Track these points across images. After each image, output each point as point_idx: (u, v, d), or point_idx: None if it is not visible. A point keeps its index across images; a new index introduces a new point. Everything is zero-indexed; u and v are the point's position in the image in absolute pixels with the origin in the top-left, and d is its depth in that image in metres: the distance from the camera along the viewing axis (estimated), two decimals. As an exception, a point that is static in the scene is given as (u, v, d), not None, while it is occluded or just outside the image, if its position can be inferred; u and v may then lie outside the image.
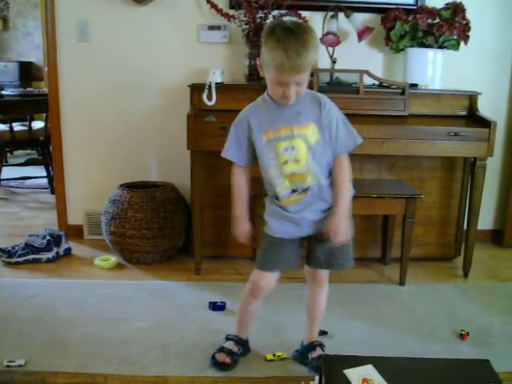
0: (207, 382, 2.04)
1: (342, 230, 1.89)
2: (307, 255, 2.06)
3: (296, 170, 1.87)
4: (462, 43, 3.19)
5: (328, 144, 1.88)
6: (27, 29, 8.10)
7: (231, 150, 1.96)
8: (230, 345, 2.16)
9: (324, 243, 1.95)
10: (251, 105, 1.96)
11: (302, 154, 1.85)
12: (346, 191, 1.92)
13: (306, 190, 1.89)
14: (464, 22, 3.15)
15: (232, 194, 2.01)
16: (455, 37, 3.16)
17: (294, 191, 1.90)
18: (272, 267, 2.02)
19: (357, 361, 1.40)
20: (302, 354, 2.17)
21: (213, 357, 2.12)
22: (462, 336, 2.38)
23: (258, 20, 3.15)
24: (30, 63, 8.08)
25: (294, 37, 1.70)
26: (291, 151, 1.85)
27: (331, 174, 1.93)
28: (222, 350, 2.14)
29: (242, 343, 2.19)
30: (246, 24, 3.18)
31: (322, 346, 2.18)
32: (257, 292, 2.06)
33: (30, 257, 3.20)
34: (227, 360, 2.10)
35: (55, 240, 3.28)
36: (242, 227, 2.00)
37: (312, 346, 2.16)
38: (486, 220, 3.65)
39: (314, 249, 2.01)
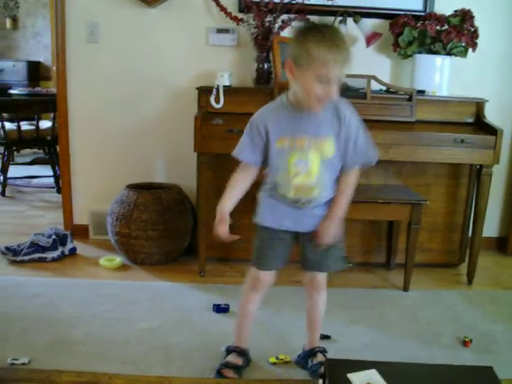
0: (211, 383, 2.05)
1: (330, 234, 1.89)
2: (300, 258, 2.04)
3: (305, 182, 1.84)
4: (470, 50, 3.19)
5: (342, 156, 1.86)
6: (36, 29, 8.14)
7: (246, 152, 1.89)
8: (233, 359, 2.12)
9: (311, 242, 1.94)
10: (270, 106, 1.90)
11: (314, 168, 1.82)
12: (344, 203, 1.91)
13: (311, 201, 1.88)
14: (472, 30, 3.15)
15: (227, 186, 1.93)
16: (463, 44, 3.16)
17: (297, 201, 1.88)
18: (267, 265, 2.01)
19: (360, 365, 1.40)
20: (304, 360, 2.17)
21: (219, 372, 2.07)
22: (466, 343, 2.38)
23: (267, 24, 3.16)
24: (38, 63, 8.12)
25: (334, 31, 1.71)
26: (304, 164, 1.82)
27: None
28: (227, 365, 2.09)
29: (245, 354, 2.14)
30: (255, 28, 3.19)
31: (323, 351, 2.17)
32: (258, 285, 2.05)
33: (36, 256, 3.21)
34: (235, 376, 2.07)
35: (61, 239, 3.30)
36: (223, 227, 1.89)
37: (313, 352, 2.15)
38: (490, 227, 3.65)
39: (305, 250, 2.00)
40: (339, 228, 1.92)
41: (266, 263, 2.01)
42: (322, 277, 2.06)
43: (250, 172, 1.92)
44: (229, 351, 2.15)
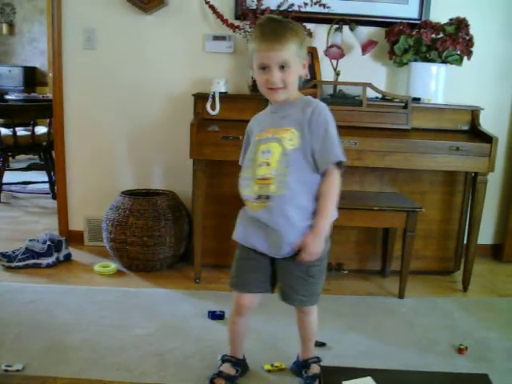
0: (205, 391, 2.04)
1: (312, 250, 1.78)
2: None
3: (266, 174, 1.79)
4: (466, 58, 3.21)
5: (309, 156, 1.78)
6: (33, 34, 8.15)
7: (241, 158, 1.99)
8: (227, 368, 2.09)
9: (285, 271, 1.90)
10: (261, 112, 1.98)
11: (274, 158, 1.78)
12: (327, 209, 1.78)
13: (268, 199, 1.79)
14: (467, 38, 3.17)
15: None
16: (458, 52, 3.18)
17: (258, 197, 1.81)
18: (242, 287, 1.97)
19: (356, 373, 1.40)
20: (298, 369, 2.15)
21: (211, 382, 2.04)
22: (461, 350, 2.38)
23: (263, 31, 3.17)
24: (34, 68, 8.12)
25: (273, 19, 1.78)
26: (267, 154, 1.80)
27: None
28: (219, 374, 2.07)
29: (240, 364, 2.12)
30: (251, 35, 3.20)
31: (317, 361, 2.12)
32: (240, 310, 2.01)
33: (30, 261, 3.20)
34: None
35: (55, 245, 3.29)
36: None
37: (306, 364, 2.11)
38: (486, 235, 3.66)
39: (280, 279, 1.94)
40: (322, 244, 1.80)
41: (239, 283, 1.97)
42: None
43: None
44: (224, 360, 2.13)
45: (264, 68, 1.75)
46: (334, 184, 1.79)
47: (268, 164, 1.79)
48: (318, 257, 1.82)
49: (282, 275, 1.93)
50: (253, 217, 1.87)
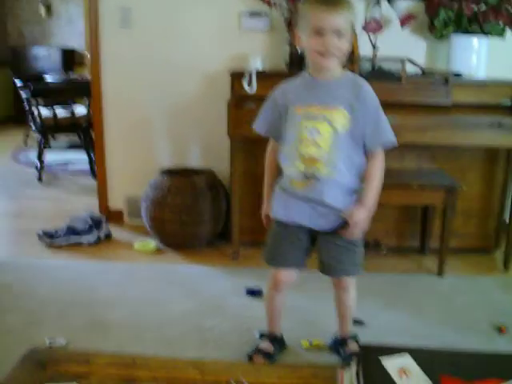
0: (244, 367, 2.06)
1: (358, 223, 1.81)
2: (317, 260, 1.99)
3: (313, 154, 1.78)
4: (509, 31, 3.11)
5: (360, 138, 1.80)
6: (70, 15, 8.21)
7: (261, 124, 1.97)
8: (265, 345, 2.11)
9: (332, 237, 1.90)
10: (291, 79, 1.93)
11: (325, 140, 1.77)
12: (376, 188, 1.84)
13: (318, 179, 1.80)
14: (511, 9, 3.07)
15: (265, 177, 2.03)
16: (501, 24, 3.08)
17: (305, 176, 1.82)
18: (277, 263, 1.99)
19: (394, 351, 1.39)
20: (336, 347, 2.16)
21: (250, 358, 2.08)
22: (501, 329, 2.35)
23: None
24: (72, 50, 8.20)
25: None
26: (316, 134, 1.77)
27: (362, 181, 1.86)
28: (258, 351, 2.09)
29: (277, 340, 2.14)
30: (288, 11, 3.16)
31: (355, 339, 2.14)
32: (278, 286, 2.03)
33: (72, 240, 3.27)
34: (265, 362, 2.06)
35: (96, 224, 3.35)
36: (264, 209, 2.03)
37: (344, 342, 2.12)
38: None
39: (319, 252, 1.96)
40: (367, 220, 1.84)
41: (278, 259, 1.98)
42: (346, 278, 2.01)
43: (273, 148, 1.98)
44: (262, 337, 2.16)
45: (319, 32, 1.70)
46: (382, 166, 1.85)
47: (318, 145, 1.77)
48: (363, 230, 1.86)
49: (324, 248, 1.94)
50: (295, 194, 1.87)
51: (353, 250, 1.93)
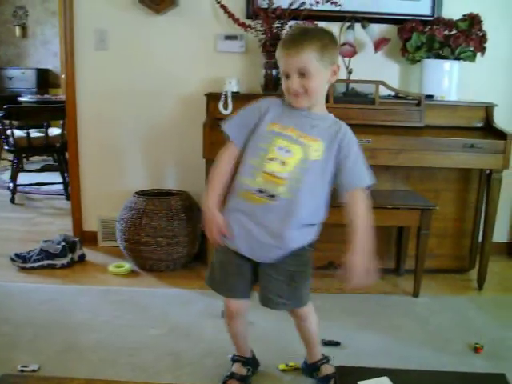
0: (220, 390, 2.04)
1: (358, 271, 1.67)
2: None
3: (277, 172, 1.72)
4: (479, 55, 3.18)
5: (328, 173, 1.76)
6: (45, 36, 8.21)
7: (233, 126, 1.86)
8: (238, 369, 2.08)
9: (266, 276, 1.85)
10: (279, 99, 1.86)
11: (293, 161, 1.72)
12: (359, 229, 1.71)
13: (273, 198, 1.72)
14: (480, 34, 3.14)
15: (211, 176, 1.87)
16: (472, 48, 3.15)
17: (260, 191, 1.74)
18: (227, 292, 1.92)
19: (371, 373, 1.39)
20: (309, 371, 2.13)
21: (224, 383, 2.04)
22: (477, 349, 2.36)
23: (275, 30, 3.17)
24: (47, 70, 8.17)
25: (297, 27, 1.79)
26: (286, 153, 1.73)
27: (316, 220, 1.81)
28: (232, 376, 2.06)
29: (249, 362, 2.11)
30: (263, 34, 3.19)
31: (327, 361, 2.09)
32: (231, 315, 1.98)
33: (45, 262, 3.22)
34: None
35: (70, 246, 3.30)
36: (215, 219, 1.80)
37: (315, 367, 2.09)
38: (500, 232, 3.62)
39: (259, 284, 1.89)
40: (370, 263, 1.69)
41: (224, 288, 1.93)
42: (299, 309, 1.93)
43: (232, 154, 1.86)
44: (234, 361, 2.12)
45: (286, 75, 1.73)
46: (366, 205, 1.75)
47: (283, 163, 1.72)
48: (372, 280, 1.71)
49: (263, 280, 1.87)
50: (243, 210, 1.79)
51: (294, 285, 1.85)
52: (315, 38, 1.71)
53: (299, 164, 1.73)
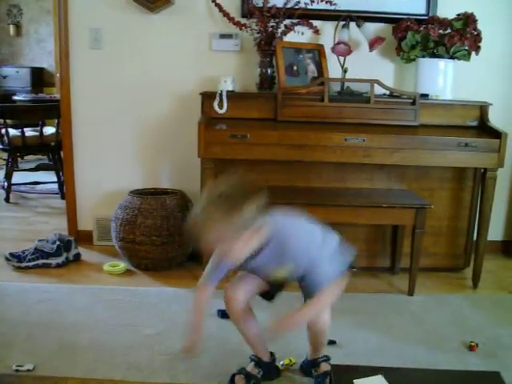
0: (215, 389, 2.04)
1: (279, 328, 1.82)
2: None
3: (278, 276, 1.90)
4: (473, 54, 3.19)
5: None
6: (40, 35, 8.18)
7: (214, 277, 1.99)
8: (249, 367, 2.10)
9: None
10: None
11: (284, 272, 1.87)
12: (307, 312, 1.85)
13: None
14: (475, 33, 3.15)
15: (194, 307, 2.00)
16: (466, 47, 3.16)
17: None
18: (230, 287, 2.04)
19: (366, 371, 1.39)
20: (307, 368, 2.14)
21: (231, 378, 2.07)
22: (472, 347, 2.37)
23: (270, 29, 3.17)
24: (41, 69, 8.14)
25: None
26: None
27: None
28: (241, 372, 2.08)
29: (262, 365, 2.11)
30: (258, 33, 3.19)
31: (327, 360, 2.11)
32: (226, 303, 2.03)
33: (40, 262, 3.21)
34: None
35: (65, 245, 3.30)
36: (198, 337, 1.95)
37: (315, 364, 2.10)
38: (495, 231, 3.63)
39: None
40: (289, 329, 1.84)
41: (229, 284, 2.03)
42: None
43: (210, 291, 2.01)
44: (250, 359, 2.13)
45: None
46: (325, 296, 1.83)
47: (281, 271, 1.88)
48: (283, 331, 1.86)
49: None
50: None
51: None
52: (212, 211, 1.67)
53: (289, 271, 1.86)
